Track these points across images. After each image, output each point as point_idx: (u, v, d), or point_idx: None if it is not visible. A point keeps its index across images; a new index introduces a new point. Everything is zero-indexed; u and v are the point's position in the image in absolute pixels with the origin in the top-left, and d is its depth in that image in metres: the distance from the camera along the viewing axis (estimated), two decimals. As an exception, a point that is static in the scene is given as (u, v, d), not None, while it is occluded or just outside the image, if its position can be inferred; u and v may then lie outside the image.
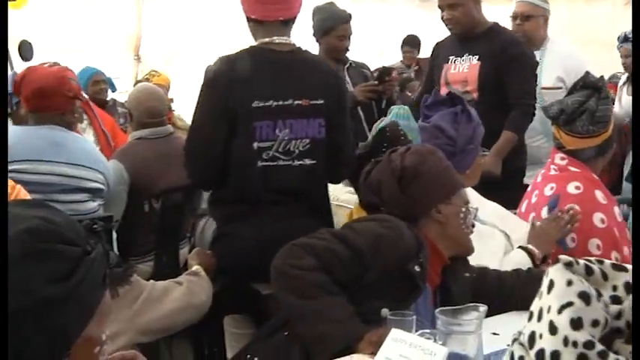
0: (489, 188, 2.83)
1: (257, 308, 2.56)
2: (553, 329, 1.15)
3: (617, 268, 1.24)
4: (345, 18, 4.26)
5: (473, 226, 2.22)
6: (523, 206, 2.93)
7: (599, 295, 1.20)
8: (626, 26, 4.97)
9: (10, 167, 2.95)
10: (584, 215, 2.62)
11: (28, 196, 1.79)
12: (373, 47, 8.28)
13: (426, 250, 2.05)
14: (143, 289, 2.27)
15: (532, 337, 1.19)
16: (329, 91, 2.70)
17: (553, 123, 2.81)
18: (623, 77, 5.49)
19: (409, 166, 2.15)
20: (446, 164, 2.23)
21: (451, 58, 3.81)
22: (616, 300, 1.21)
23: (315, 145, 2.67)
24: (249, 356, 2.03)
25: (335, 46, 4.22)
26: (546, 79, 4.00)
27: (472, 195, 2.56)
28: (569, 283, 1.18)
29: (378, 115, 4.09)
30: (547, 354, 1.15)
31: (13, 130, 3.39)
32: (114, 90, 6.00)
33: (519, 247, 2.56)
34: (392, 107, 3.47)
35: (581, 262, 1.22)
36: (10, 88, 3.78)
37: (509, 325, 1.96)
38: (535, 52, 3.95)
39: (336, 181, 2.99)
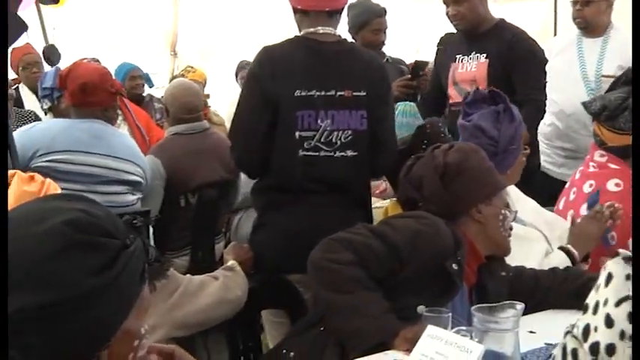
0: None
1: (293, 303, 2.56)
2: (609, 322, 1.14)
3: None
4: (380, 12, 4.23)
5: (511, 229, 2.19)
6: (561, 204, 2.90)
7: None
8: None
9: (50, 157, 3.01)
10: (625, 212, 2.57)
11: (59, 191, 1.80)
12: (409, 44, 8.24)
13: (464, 248, 2.04)
14: (180, 283, 2.27)
15: (586, 330, 1.18)
16: (373, 84, 2.67)
17: (594, 119, 2.76)
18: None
19: (452, 162, 2.13)
20: (489, 164, 2.20)
21: (458, 56, 3.74)
22: None
23: (357, 137, 2.65)
24: (284, 351, 2.04)
25: (370, 40, 4.18)
26: (607, 67, 3.88)
27: (513, 192, 2.53)
28: (629, 277, 1.16)
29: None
30: (602, 347, 1.14)
31: (55, 121, 3.46)
32: (151, 86, 6.07)
33: (559, 247, 2.52)
34: (398, 104, 3.37)
35: None
36: (52, 83, 3.85)
37: (546, 323, 1.95)
38: (596, 39, 3.85)
39: (377, 174, 2.97)
